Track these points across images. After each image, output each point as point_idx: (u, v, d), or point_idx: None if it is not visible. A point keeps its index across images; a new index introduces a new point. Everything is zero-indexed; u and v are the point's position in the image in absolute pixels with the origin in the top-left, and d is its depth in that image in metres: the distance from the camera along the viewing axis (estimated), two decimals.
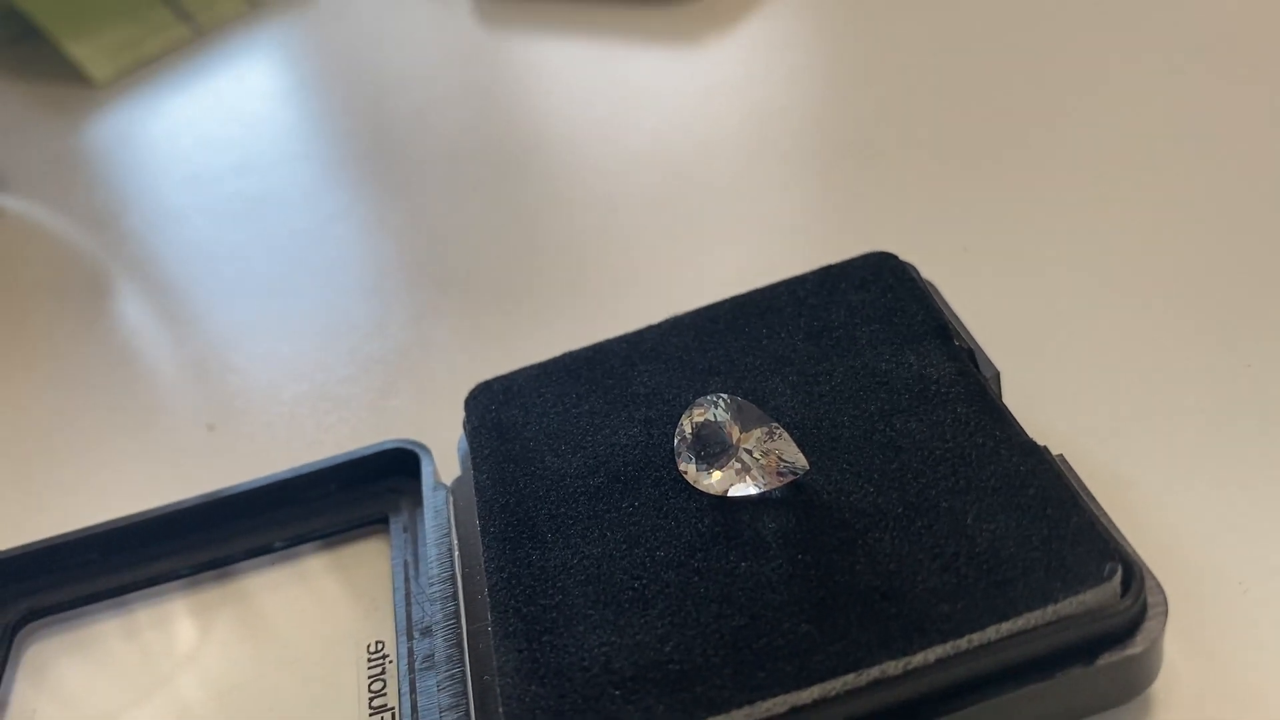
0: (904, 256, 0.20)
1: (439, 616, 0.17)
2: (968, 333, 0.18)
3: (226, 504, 0.20)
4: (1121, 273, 0.21)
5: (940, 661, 0.14)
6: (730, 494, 0.16)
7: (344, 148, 0.34)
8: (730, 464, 0.16)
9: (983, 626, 0.14)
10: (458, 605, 0.18)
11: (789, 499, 0.16)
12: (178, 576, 0.20)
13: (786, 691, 0.14)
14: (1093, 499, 0.16)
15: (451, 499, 0.19)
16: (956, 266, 0.21)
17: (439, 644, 0.17)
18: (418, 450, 0.20)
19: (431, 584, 0.18)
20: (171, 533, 0.20)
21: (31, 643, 0.20)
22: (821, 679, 0.14)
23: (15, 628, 0.20)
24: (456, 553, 0.18)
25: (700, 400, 0.17)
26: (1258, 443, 0.18)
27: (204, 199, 0.33)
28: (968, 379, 0.17)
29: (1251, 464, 0.17)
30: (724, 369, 0.18)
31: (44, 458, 0.25)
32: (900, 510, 0.15)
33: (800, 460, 0.16)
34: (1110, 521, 0.15)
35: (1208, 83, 0.26)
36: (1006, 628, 0.14)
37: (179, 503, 0.20)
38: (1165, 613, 0.14)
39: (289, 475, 0.20)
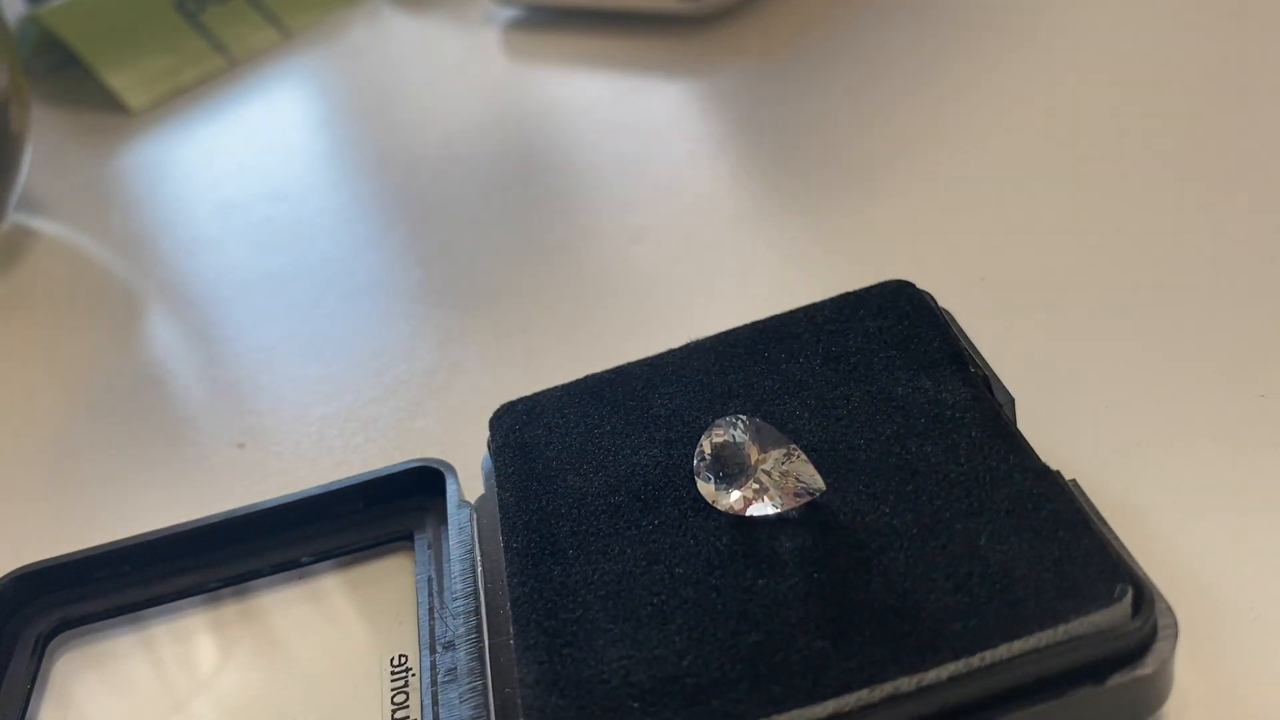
0: (921, 285, 0.20)
1: (462, 630, 0.18)
2: (983, 360, 0.19)
3: (255, 520, 0.21)
4: (1136, 302, 0.22)
5: (953, 679, 0.14)
6: (748, 513, 0.17)
7: (374, 177, 0.35)
8: (748, 484, 0.17)
9: (995, 645, 0.14)
10: (480, 620, 0.18)
11: (806, 519, 0.16)
12: (206, 590, 0.20)
13: (801, 706, 0.14)
14: (1104, 523, 0.16)
15: (475, 516, 0.20)
16: (973, 295, 0.22)
17: (461, 657, 0.17)
18: (442, 469, 0.20)
19: (455, 599, 0.18)
20: (201, 547, 0.21)
21: (62, 654, 0.20)
22: (836, 694, 0.14)
23: (47, 638, 0.20)
24: (479, 568, 0.19)
25: (719, 421, 0.17)
26: (1270, 471, 0.18)
27: (236, 225, 0.34)
28: (983, 405, 0.17)
29: (1263, 492, 0.17)
30: (743, 392, 0.19)
31: (78, 472, 0.25)
32: (915, 531, 0.16)
33: (817, 481, 0.16)
34: (1122, 545, 0.15)
35: (1223, 109, 0.26)
36: (1018, 646, 0.14)
37: (209, 518, 0.21)
38: (1176, 635, 0.14)
39: (316, 492, 0.21)
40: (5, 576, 0.20)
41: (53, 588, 0.20)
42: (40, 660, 0.20)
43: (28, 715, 0.19)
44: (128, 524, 0.21)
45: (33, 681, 0.19)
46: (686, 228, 0.28)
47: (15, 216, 0.36)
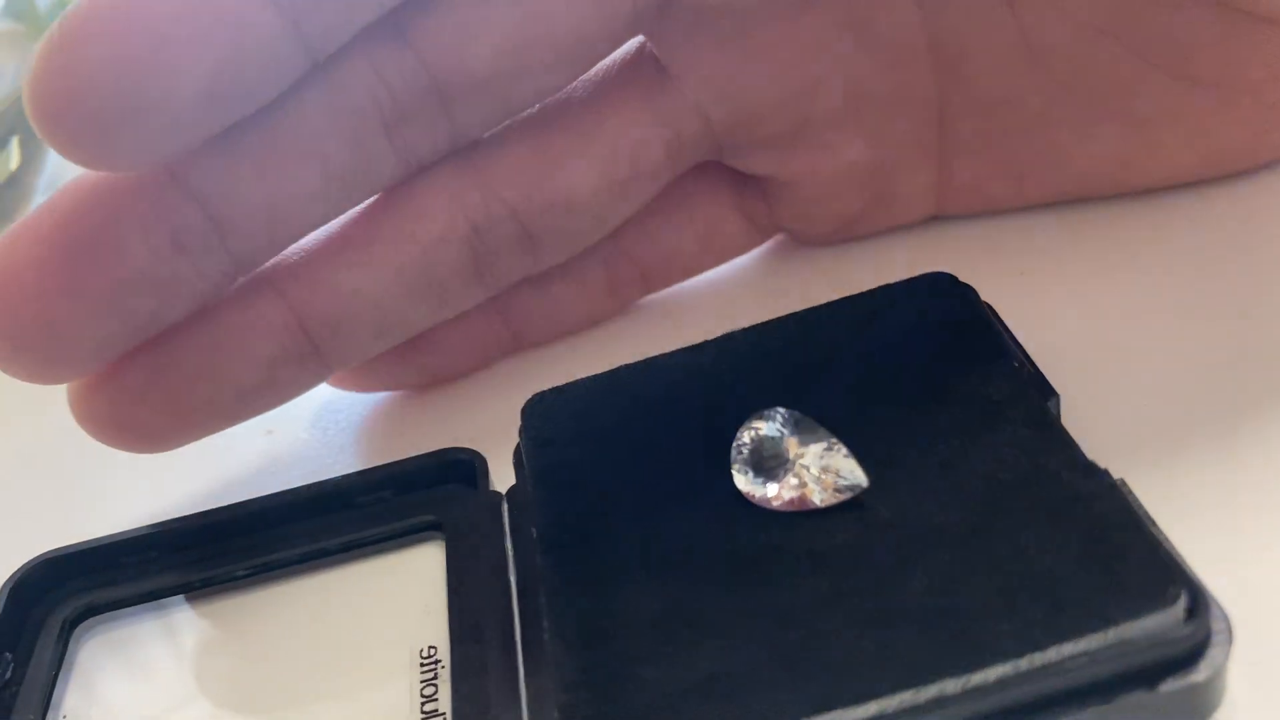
0: (962, 278, 0.20)
1: (493, 623, 0.17)
2: (1027, 355, 0.18)
3: (283, 507, 0.20)
4: (1185, 297, 0.21)
5: (1000, 681, 0.14)
6: (787, 509, 0.16)
7: None
8: (787, 479, 0.16)
9: (1043, 647, 0.14)
10: (512, 612, 0.18)
11: (847, 515, 0.16)
12: (233, 578, 0.20)
13: (844, 707, 0.14)
14: (1154, 524, 0.15)
15: (507, 507, 0.19)
16: (1015, 289, 0.21)
17: (493, 650, 0.17)
18: (473, 458, 0.20)
19: (486, 590, 0.18)
20: (228, 534, 0.20)
21: (88, 639, 0.20)
22: (879, 696, 0.14)
23: (73, 624, 0.20)
24: (511, 560, 0.18)
25: (757, 414, 0.17)
26: None
27: None
28: (1028, 401, 0.17)
29: None
30: (781, 384, 0.18)
31: (105, 458, 0.25)
32: (959, 529, 0.15)
33: (859, 476, 0.16)
34: (1173, 546, 0.15)
35: None
36: (1067, 649, 0.14)
37: (237, 505, 0.21)
38: (1230, 640, 0.14)
39: (345, 480, 0.21)
40: (32, 561, 0.20)
41: (79, 573, 0.20)
42: (66, 645, 0.19)
43: (53, 699, 0.19)
44: (154, 510, 0.21)
45: (59, 666, 0.19)
46: None
47: (43, 200, 0.36)
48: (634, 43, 0.22)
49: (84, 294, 0.18)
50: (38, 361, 0.19)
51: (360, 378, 0.23)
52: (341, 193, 0.19)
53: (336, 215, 0.20)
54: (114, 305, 0.19)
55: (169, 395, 0.20)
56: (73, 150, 0.17)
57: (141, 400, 0.20)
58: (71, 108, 0.16)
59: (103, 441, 0.21)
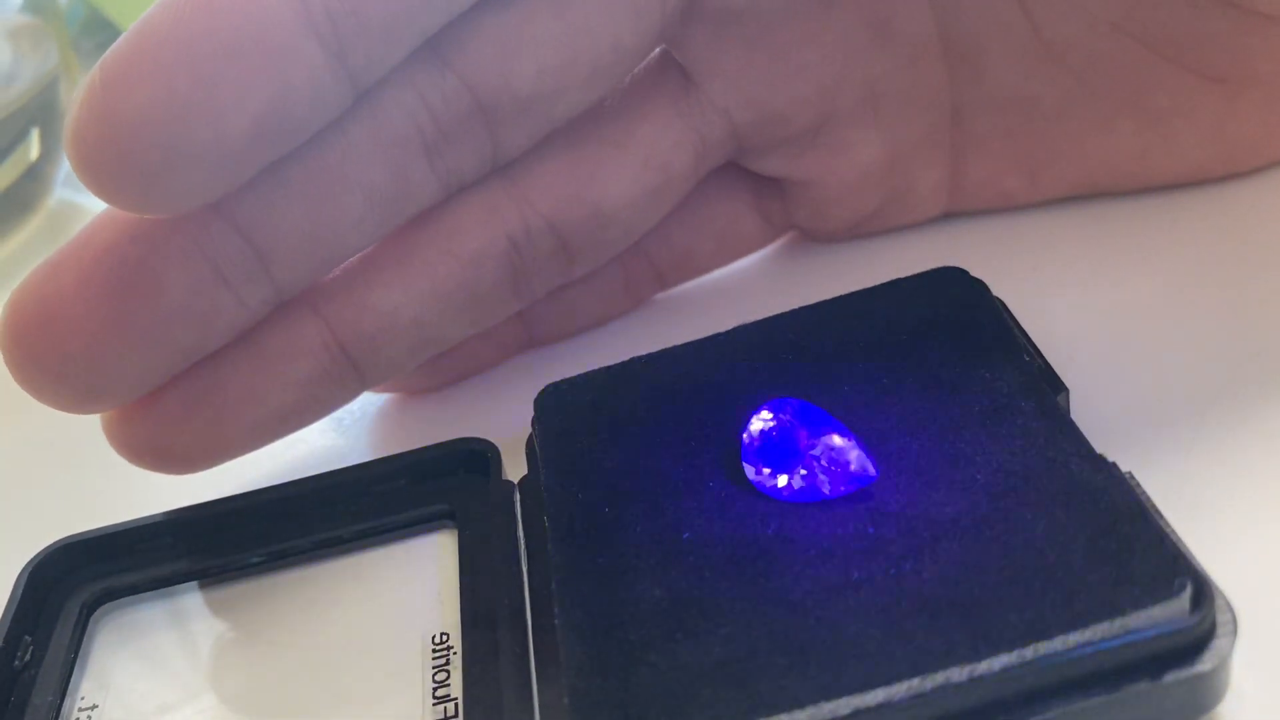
0: (974, 274, 0.20)
1: (505, 611, 0.18)
2: (1037, 350, 0.19)
3: (298, 496, 0.21)
4: (1193, 294, 0.21)
5: (1005, 670, 0.14)
6: (796, 499, 0.16)
7: None
8: (797, 470, 0.17)
9: (1049, 637, 0.14)
10: (523, 600, 0.18)
11: (856, 506, 0.16)
12: (248, 565, 0.20)
13: (851, 694, 0.14)
14: (1161, 516, 0.16)
15: (519, 496, 0.20)
16: (1026, 285, 0.22)
17: (504, 638, 0.17)
18: (486, 448, 0.20)
19: (498, 578, 0.18)
20: (243, 522, 0.21)
21: (104, 624, 0.20)
22: (886, 683, 0.14)
23: (90, 609, 0.20)
24: (523, 548, 0.19)
25: (768, 405, 0.17)
26: None
27: None
28: (1038, 394, 0.17)
29: None
30: (792, 376, 0.19)
31: None
32: (967, 520, 0.15)
33: (868, 468, 0.16)
34: (1179, 539, 0.15)
35: None
36: (1073, 639, 0.14)
37: (252, 493, 0.21)
38: (1235, 632, 0.14)
39: (359, 469, 0.21)
40: (51, 546, 0.20)
41: (97, 559, 0.21)
42: (84, 629, 0.20)
43: (71, 683, 0.19)
44: (171, 498, 0.22)
45: (77, 650, 0.19)
46: None
47: (62, 192, 0.37)
48: (656, 51, 0.22)
49: (126, 328, 0.18)
50: (78, 395, 0.19)
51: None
52: (383, 217, 0.19)
53: (378, 239, 0.20)
54: (156, 338, 0.18)
55: (209, 421, 0.20)
56: (115, 198, 0.17)
57: (181, 427, 0.20)
58: (117, 156, 0.16)
59: (139, 466, 0.20)
